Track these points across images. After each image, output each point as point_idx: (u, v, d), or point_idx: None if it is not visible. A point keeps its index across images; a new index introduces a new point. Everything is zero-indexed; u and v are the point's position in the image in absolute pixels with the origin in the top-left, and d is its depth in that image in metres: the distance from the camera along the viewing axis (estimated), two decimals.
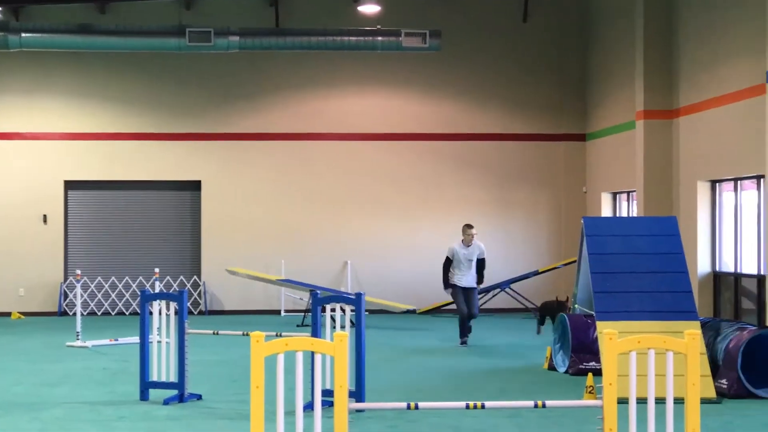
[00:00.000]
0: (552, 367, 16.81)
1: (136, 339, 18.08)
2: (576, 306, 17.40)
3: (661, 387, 7.95)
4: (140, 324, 14.07)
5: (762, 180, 19.43)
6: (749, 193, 20.81)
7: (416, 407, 7.77)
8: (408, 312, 24.86)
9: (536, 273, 27.79)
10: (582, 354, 16.05)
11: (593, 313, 15.32)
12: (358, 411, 12.51)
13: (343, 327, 13.19)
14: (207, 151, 28.74)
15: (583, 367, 15.85)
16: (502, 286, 27.62)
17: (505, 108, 29.18)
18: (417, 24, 26.41)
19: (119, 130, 28.61)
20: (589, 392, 13.39)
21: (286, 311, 27.39)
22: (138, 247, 28.79)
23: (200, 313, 28.31)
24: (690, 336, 7.64)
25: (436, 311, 28.20)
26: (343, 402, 7.53)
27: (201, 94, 28.76)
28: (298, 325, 24.26)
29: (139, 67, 28.53)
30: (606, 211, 27.69)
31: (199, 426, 12.09)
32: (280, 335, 13.15)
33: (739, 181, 21.02)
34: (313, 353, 7.81)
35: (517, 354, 19.20)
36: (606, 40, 27.61)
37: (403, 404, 7.89)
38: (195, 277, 28.65)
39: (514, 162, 29.23)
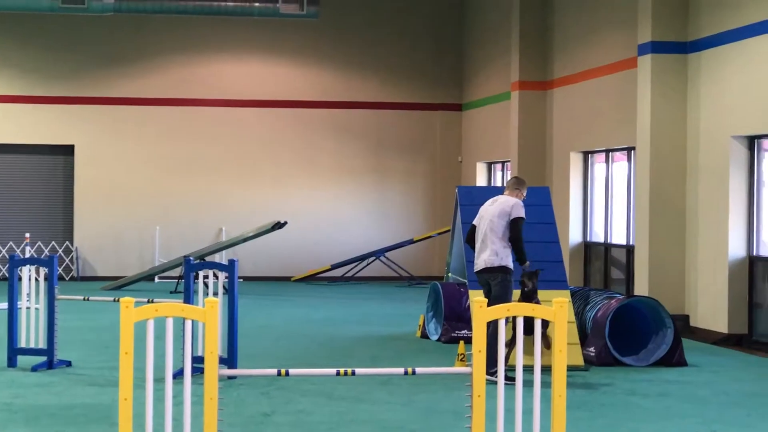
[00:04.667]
0: (425, 335, 16.92)
1: (4, 305, 17.76)
2: (449, 275, 17.53)
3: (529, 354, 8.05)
4: (8, 290, 13.80)
5: (632, 152, 19.76)
6: (620, 165, 21.16)
7: (287, 374, 7.76)
8: (276, 227, 24.42)
9: (411, 242, 27.92)
10: (454, 322, 16.18)
11: (466, 281, 15.45)
12: (230, 378, 12.47)
13: (215, 294, 13.11)
14: (81, 115, 28.26)
15: (455, 335, 15.98)
16: (377, 254, 27.72)
17: (382, 77, 29.20)
18: None
19: None
20: (461, 360, 13.53)
21: (160, 278, 27.14)
22: (8, 212, 28.25)
23: (72, 279, 27.92)
24: (558, 304, 7.73)
25: (311, 279, 28.20)
26: (213, 368, 7.48)
27: (75, 58, 28.24)
28: (171, 292, 24.05)
29: (10, 28, 27.89)
30: (481, 181, 27.92)
31: (68, 392, 11.94)
32: (152, 301, 13.04)
33: (610, 153, 21.35)
34: (183, 319, 7.74)
35: (390, 322, 19.30)
36: (483, 12, 27.77)
37: (274, 371, 7.87)
38: (67, 242, 28.23)
39: (391, 131, 29.29)
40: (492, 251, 13.17)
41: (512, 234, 13.21)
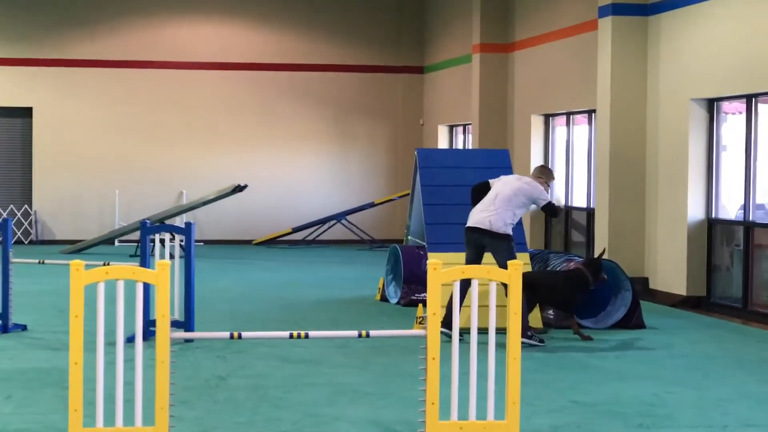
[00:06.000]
0: (384, 299, 16.89)
1: None
2: (409, 237, 17.48)
3: (484, 317, 8.02)
4: None
5: (593, 115, 19.74)
6: (581, 128, 21.14)
7: (239, 337, 7.70)
8: (236, 190, 24.33)
9: (372, 205, 27.87)
10: (413, 285, 16.15)
11: (425, 244, 15.41)
12: (188, 341, 12.40)
13: (172, 257, 13.01)
14: (39, 77, 27.97)
15: (415, 298, 15.95)
16: (338, 217, 27.66)
17: (343, 39, 29.04)
18: None
19: None
20: (419, 323, 13.51)
21: (120, 241, 26.98)
22: None
23: (31, 242, 27.71)
24: (512, 266, 7.69)
25: (272, 242, 28.12)
26: (165, 331, 7.40)
27: (33, 19, 27.91)
28: (131, 255, 23.91)
29: None
30: (443, 144, 27.88)
31: (22, 356, 11.83)
32: (108, 264, 12.93)
33: (571, 116, 21.33)
34: (135, 282, 7.65)
35: (351, 286, 19.25)
36: None
37: (226, 334, 7.80)
38: (26, 206, 27.99)
39: (352, 94, 29.16)
40: (500, 218, 13.01)
41: (551, 214, 13.60)
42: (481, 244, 13.07)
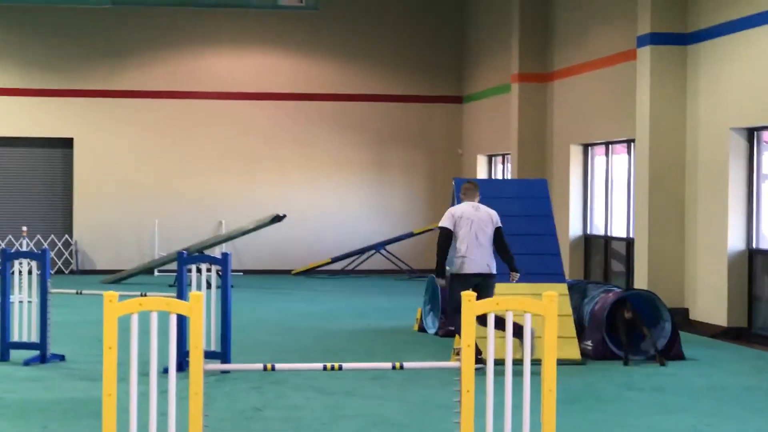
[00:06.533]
0: (422, 329, 16.84)
1: None
2: (448, 268, 17.40)
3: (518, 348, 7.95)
4: (1, 283, 13.71)
5: (632, 144, 19.65)
6: (620, 157, 21.05)
7: (273, 368, 7.67)
8: (275, 220, 24.27)
9: (411, 235, 27.83)
10: (450, 316, 16.06)
11: None
12: (224, 372, 12.39)
13: (209, 287, 13.02)
14: (79, 108, 28.19)
15: (451, 328, 15.87)
16: (377, 247, 27.63)
17: (382, 69, 29.10)
18: None
19: None
20: (456, 354, 13.43)
21: (159, 271, 27.05)
22: (7, 205, 28.17)
23: (72, 272, 27.84)
24: (547, 297, 7.63)
25: (311, 272, 28.12)
26: (198, 363, 7.38)
27: (73, 51, 28.15)
28: (170, 285, 23.94)
29: (9, 21, 27.82)
30: (481, 174, 27.83)
31: (59, 387, 11.87)
32: (145, 295, 12.95)
33: (610, 145, 21.24)
34: (169, 313, 7.65)
35: (389, 316, 19.20)
36: (483, 3, 27.67)
37: (260, 366, 7.78)
38: (66, 236, 28.15)
39: (391, 123, 29.19)
40: (491, 256, 13.13)
41: (503, 241, 13.30)
42: (473, 285, 12.93)
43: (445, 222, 13.26)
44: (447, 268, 13.38)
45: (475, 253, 13.11)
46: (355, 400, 11.16)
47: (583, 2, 21.89)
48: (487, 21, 27.20)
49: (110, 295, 7.38)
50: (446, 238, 13.19)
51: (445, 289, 16.27)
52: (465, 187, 13.71)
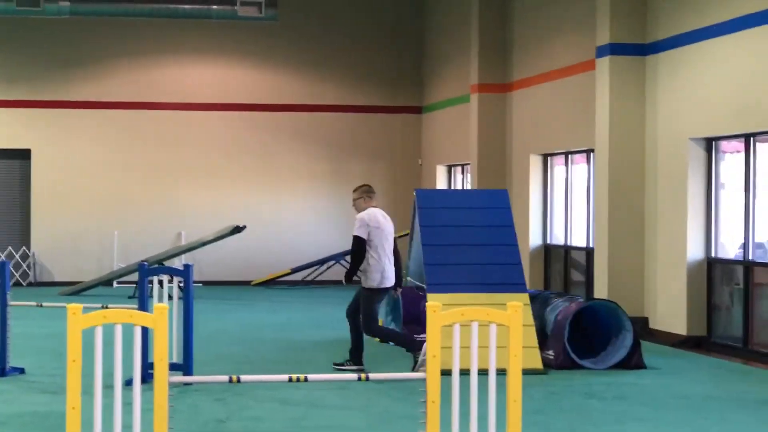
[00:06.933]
0: (384, 340, 16.78)
1: None
2: (408, 278, 17.45)
3: (485, 359, 7.97)
4: None
5: (591, 154, 19.74)
6: (579, 167, 21.15)
7: (239, 380, 7.65)
8: (235, 230, 24.25)
9: None
10: (413, 326, 16.10)
11: (424, 285, 15.37)
12: (186, 384, 12.33)
13: (171, 299, 12.96)
14: (37, 119, 28.03)
15: (415, 338, 15.87)
16: (337, 258, 27.61)
17: (341, 80, 29.11)
18: None
19: None
20: (419, 365, 13.43)
21: (119, 282, 26.91)
22: None
23: (30, 284, 27.66)
24: (512, 308, 7.66)
25: (271, 283, 28.07)
26: (163, 375, 7.36)
27: (31, 61, 27.99)
28: (129, 297, 23.86)
29: None
30: (441, 184, 27.88)
31: (19, 400, 11.76)
32: (106, 307, 12.88)
33: (570, 155, 21.34)
34: (133, 326, 7.62)
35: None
36: (442, 14, 27.74)
37: (226, 378, 7.76)
38: (24, 247, 27.96)
39: (351, 134, 29.20)
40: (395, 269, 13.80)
41: (399, 254, 14.13)
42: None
43: (360, 232, 13.58)
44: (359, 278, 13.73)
45: (389, 268, 13.65)
46: (319, 411, 11.14)
47: (542, 13, 21.99)
48: (447, 31, 27.27)
49: (74, 307, 7.33)
50: (363, 248, 13.57)
51: (407, 300, 16.30)
52: (366, 190, 14.18)
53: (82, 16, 25.81)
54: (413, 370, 13.03)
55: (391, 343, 14.41)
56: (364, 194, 13.99)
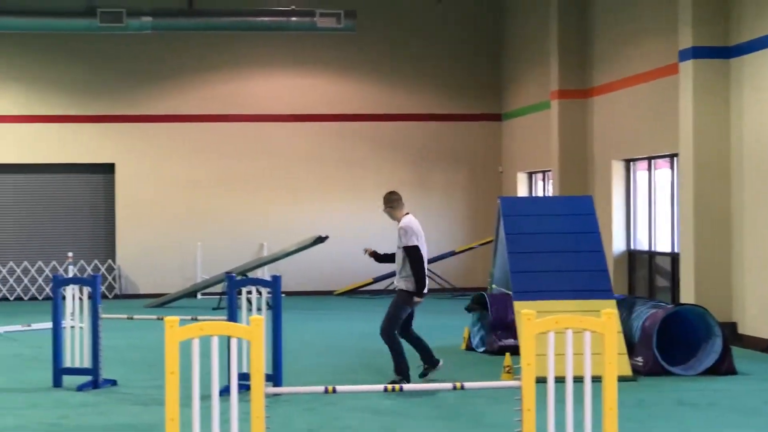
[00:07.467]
0: (470, 348, 16.81)
1: (49, 324, 17.82)
2: (493, 285, 17.42)
3: (578, 366, 7.93)
4: (53, 309, 13.82)
5: (675, 159, 19.58)
6: (663, 172, 20.98)
7: (334, 391, 7.68)
8: (318, 241, 24.38)
9: (453, 253, 27.82)
10: (500, 332, 16.07)
11: (510, 292, 15.35)
12: (276, 395, 12.40)
13: (259, 310, 13.06)
14: (120, 133, 28.36)
15: (502, 344, 15.87)
16: None
17: (420, 89, 29.13)
18: (331, 4, 26.22)
19: (29, 112, 28.11)
20: (507, 372, 13.43)
21: (203, 294, 27.12)
22: (51, 230, 28.36)
23: (115, 297, 27.97)
24: (607, 315, 7.63)
25: (354, 292, 28.14)
26: (259, 387, 7.41)
27: (114, 76, 28.35)
28: (214, 308, 24.04)
29: (49, 48, 28.03)
30: (522, 191, 27.79)
31: (113, 412, 11.91)
32: (196, 319, 13.02)
33: (653, 160, 21.18)
34: (229, 337, 7.69)
35: (434, 334, 19.10)
36: (521, 21, 27.67)
37: (321, 388, 7.80)
38: (110, 260, 28.30)
39: (431, 142, 29.20)
40: None
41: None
42: None
43: (415, 241, 13.65)
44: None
45: (425, 277, 13.69)
46: (410, 420, 11.15)
47: (621, 18, 21.85)
48: (526, 38, 27.19)
49: (171, 320, 7.41)
50: (422, 257, 13.70)
51: (494, 306, 16.26)
52: (399, 198, 14.11)
53: (164, 31, 26.09)
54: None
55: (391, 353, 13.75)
56: (397, 202, 14.01)
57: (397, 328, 13.57)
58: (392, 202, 13.97)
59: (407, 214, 13.95)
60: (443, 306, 24.97)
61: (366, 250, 14.31)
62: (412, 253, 13.54)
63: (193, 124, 28.54)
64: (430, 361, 13.74)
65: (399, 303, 13.60)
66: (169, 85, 28.52)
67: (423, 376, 13.78)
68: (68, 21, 24.72)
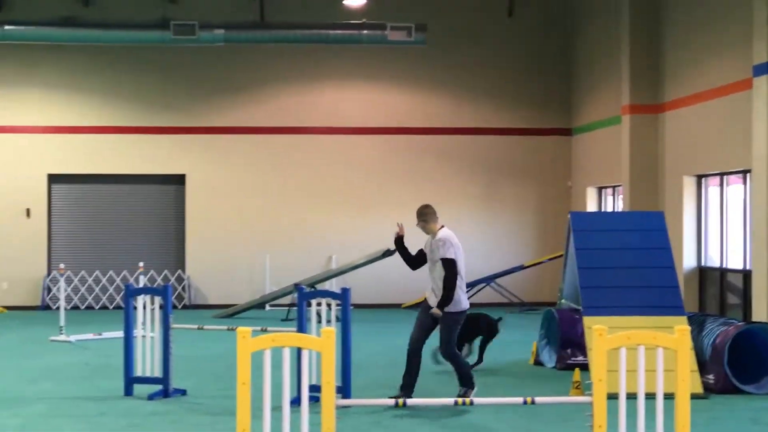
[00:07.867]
0: (538, 363, 16.75)
1: (120, 333, 18.00)
2: (563, 301, 17.34)
3: (650, 383, 7.88)
4: (124, 318, 13.94)
5: (748, 175, 19.39)
6: (735, 188, 20.78)
7: (404, 404, 7.68)
8: (387, 254, 24.39)
9: (522, 267, 27.72)
10: (570, 349, 15.99)
11: (580, 308, 15.27)
12: (345, 407, 12.41)
13: (328, 322, 13.09)
14: (191, 144, 28.61)
15: (571, 362, 15.79)
16: (488, 281, 27.55)
17: (490, 102, 29.10)
18: (402, 18, 26.29)
19: (103, 123, 28.45)
20: (576, 387, 13.35)
21: (271, 305, 27.25)
22: (122, 240, 28.64)
23: (184, 307, 28.17)
24: (680, 332, 7.57)
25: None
26: (330, 398, 7.44)
27: (185, 88, 28.61)
28: (282, 320, 24.14)
29: (123, 60, 28.36)
30: (591, 206, 27.64)
31: (184, 421, 11.99)
32: (266, 330, 13.09)
33: (725, 176, 20.98)
34: (299, 349, 7.72)
35: (502, 349, 19.08)
36: (591, 35, 27.55)
37: (390, 401, 7.80)
38: (179, 271, 28.52)
39: (500, 156, 29.16)
40: None
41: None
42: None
43: (452, 254, 13.09)
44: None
45: (463, 292, 13.23)
46: None
47: (693, 34, 21.68)
48: (596, 53, 27.07)
49: (243, 331, 7.45)
50: (456, 272, 13.14)
51: (564, 322, 16.17)
52: (434, 211, 13.63)
53: (235, 44, 26.28)
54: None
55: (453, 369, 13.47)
56: (431, 216, 13.54)
57: (455, 345, 13.34)
58: (425, 216, 13.53)
59: (443, 227, 13.49)
60: (511, 320, 24.82)
61: (399, 227, 13.74)
62: (449, 267, 13.02)
63: (263, 136, 28.71)
64: (407, 388, 13.07)
65: (450, 324, 13.28)
66: (240, 97, 28.72)
67: (393, 397, 12.72)
68: (142, 33, 25.03)
